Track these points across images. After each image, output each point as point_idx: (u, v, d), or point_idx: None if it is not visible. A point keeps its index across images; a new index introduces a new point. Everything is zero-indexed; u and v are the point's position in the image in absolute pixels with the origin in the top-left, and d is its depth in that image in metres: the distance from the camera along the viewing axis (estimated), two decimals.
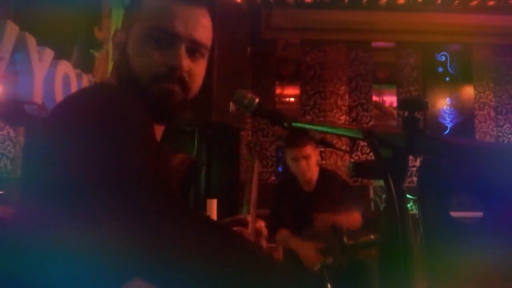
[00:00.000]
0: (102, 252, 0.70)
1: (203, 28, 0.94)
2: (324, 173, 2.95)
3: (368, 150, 4.96)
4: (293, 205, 2.84)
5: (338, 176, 2.97)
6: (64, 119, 0.80)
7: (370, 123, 5.34)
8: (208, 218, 0.85)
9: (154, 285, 0.69)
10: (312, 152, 2.77)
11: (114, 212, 0.68)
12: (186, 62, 0.91)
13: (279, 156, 5.40)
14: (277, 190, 3.17)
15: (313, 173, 2.83)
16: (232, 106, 0.89)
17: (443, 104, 5.39)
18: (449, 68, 5.47)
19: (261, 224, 1.25)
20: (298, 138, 2.67)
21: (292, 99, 6.29)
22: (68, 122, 0.78)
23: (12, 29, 2.13)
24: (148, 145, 0.77)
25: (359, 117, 5.31)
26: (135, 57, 0.91)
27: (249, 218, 1.22)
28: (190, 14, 0.92)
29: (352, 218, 2.71)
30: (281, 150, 5.29)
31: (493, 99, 5.42)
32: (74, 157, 0.74)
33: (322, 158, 4.89)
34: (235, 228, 1.19)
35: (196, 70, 0.94)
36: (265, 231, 1.25)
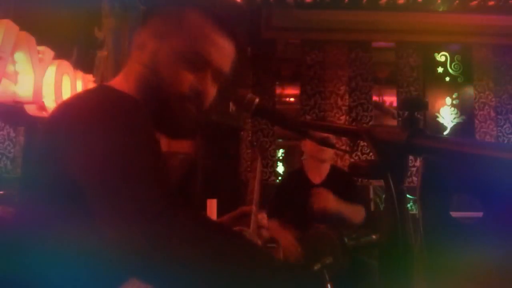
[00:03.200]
0: (102, 252, 0.70)
1: (230, 61, 0.99)
2: (335, 170, 2.98)
3: (368, 150, 4.96)
4: (299, 196, 2.84)
5: (348, 175, 2.98)
6: (66, 120, 0.80)
7: (370, 123, 5.34)
8: (207, 218, 0.85)
9: (153, 285, 0.69)
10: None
11: (114, 213, 0.68)
12: (211, 90, 0.96)
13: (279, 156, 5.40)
14: (285, 181, 3.19)
15: (329, 156, 2.88)
16: (232, 106, 0.90)
17: (443, 104, 5.39)
18: (449, 68, 5.47)
19: (263, 215, 1.28)
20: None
21: (292, 99, 6.29)
22: (69, 123, 0.79)
23: (12, 29, 2.13)
24: (148, 147, 0.77)
25: (359, 117, 5.31)
26: (168, 72, 0.93)
27: (252, 217, 1.23)
28: (224, 45, 0.96)
29: (354, 209, 2.70)
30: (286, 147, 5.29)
31: (493, 99, 5.41)
32: (74, 158, 0.75)
33: None
34: (236, 228, 1.20)
35: (213, 93, 0.99)
36: (265, 223, 1.27)
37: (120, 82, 0.96)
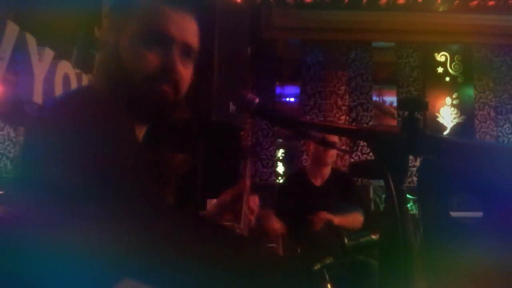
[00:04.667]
0: (100, 252, 0.70)
1: (193, 33, 0.98)
2: (336, 172, 2.99)
3: (368, 150, 4.96)
4: (300, 197, 2.84)
5: (348, 177, 2.99)
6: (54, 121, 0.81)
7: (370, 123, 5.33)
8: (205, 218, 0.85)
9: (149, 284, 0.69)
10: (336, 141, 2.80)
11: (107, 214, 0.68)
12: (179, 65, 0.93)
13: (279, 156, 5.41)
14: (286, 183, 3.20)
15: (332, 160, 2.89)
16: (232, 106, 0.90)
17: (443, 104, 5.39)
18: (449, 68, 5.46)
19: (255, 198, 1.28)
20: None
21: (292, 99, 6.29)
22: (57, 124, 0.79)
23: (12, 29, 2.14)
24: (131, 148, 0.78)
25: (359, 117, 5.30)
26: (129, 57, 0.92)
27: (244, 197, 1.23)
28: (182, 19, 0.95)
29: (352, 218, 2.72)
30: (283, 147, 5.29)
31: (493, 99, 5.41)
32: (65, 159, 0.75)
33: None
34: (227, 224, 1.20)
35: (186, 72, 0.97)
36: (255, 204, 1.27)
37: (95, 82, 0.98)
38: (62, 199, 0.71)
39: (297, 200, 2.84)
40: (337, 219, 2.60)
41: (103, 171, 0.71)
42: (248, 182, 1.33)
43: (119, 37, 0.94)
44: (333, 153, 2.88)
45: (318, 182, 2.90)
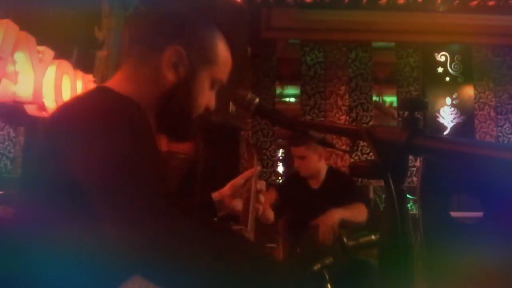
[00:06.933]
0: (103, 252, 0.70)
1: None
2: (333, 171, 2.95)
3: (368, 150, 4.96)
4: (298, 200, 2.83)
5: (346, 175, 2.94)
6: (68, 121, 0.80)
7: (370, 123, 5.34)
8: (208, 218, 0.85)
9: (154, 283, 0.69)
10: (308, 154, 2.75)
11: (115, 212, 0.68)
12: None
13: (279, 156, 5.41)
14: (283, 185, 3.18)
15: (312, 171, 2.83)
16: (232, 106, 0.90)
17: (443, 104, 5.39)
18: (449, 68, 5.47)
19: (262, 182, 1.32)
20: (295, 137, 2.73)
21: (292, 99, 6.29)
22: (70, 124, 0.79)
23: (12, 29, 2.13)
24: (150, 146, 0.78)
25: (359, 117, 5.31)
26: (198, 96, 0.99)
27: (249, 221, 1.23)
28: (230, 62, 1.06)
29: (356, 210, 2.67)
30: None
31: (493, 99, 5.41)
32: (77, 159, 0.75)
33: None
34: (234, 228, 1.20)
35: None
36: (264, 188, 1.30)
37: (121, 84, 0.95)
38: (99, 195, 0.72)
39: (295, 201, 2.83)
40: (340, 213, 2.52)
41: (131, 168, 0.72)
42: (256, 169, 1.35)
43: (196, 73, 0.97)
44: (307, 165, 2.80)
45: (315, 185, 2.87)
